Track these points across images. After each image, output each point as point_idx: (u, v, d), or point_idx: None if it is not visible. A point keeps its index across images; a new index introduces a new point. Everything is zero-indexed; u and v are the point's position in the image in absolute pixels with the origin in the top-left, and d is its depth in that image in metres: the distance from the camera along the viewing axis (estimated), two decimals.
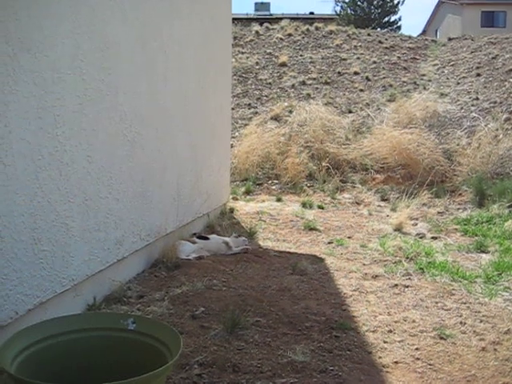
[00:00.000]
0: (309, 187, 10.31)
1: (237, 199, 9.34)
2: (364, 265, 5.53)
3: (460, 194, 9.30)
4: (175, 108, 5.42)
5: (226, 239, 5.60)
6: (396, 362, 3.23)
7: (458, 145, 10.71)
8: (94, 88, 3.69)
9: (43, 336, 2.24)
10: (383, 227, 7.57)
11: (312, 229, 7.26)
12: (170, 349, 2.16)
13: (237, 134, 11.82)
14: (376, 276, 5.11)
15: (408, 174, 10.32)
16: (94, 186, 3.74)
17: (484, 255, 6.03)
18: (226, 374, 2.90)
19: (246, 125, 12.31)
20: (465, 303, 4.37)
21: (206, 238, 5.47)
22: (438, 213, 8.43)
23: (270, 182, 10.55)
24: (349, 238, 6.93)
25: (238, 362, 3.01)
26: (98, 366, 2.30)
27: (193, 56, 5.94)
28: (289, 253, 5.90)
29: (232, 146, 10.17)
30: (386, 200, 9.45)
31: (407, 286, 4.75)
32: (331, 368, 3.06)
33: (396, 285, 4.78)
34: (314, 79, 14.72)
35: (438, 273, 5.23)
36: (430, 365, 3.22)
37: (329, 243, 6.55)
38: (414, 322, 3.84)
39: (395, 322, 3.83)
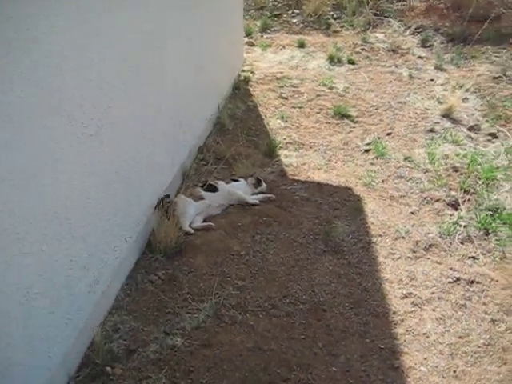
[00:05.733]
0: (335, 20, 8.51)
1: (252, 44, 7.72)
2: (412, 214, 4.43)
3: None
4: None
5: (240, 190, 4.35)
6: None
7: None
8: None
9: None
10: (429, 107, 6.22)
11: (343, 115, 5.93)
12: None
13: None
14: (429, 246, 4.06)
15: (455, 3, 8.41)
16: None
17: None
18: None
19: None
20: None
21: (214, 189, 4.21)
22: (494, 78, 6.91)
23: (289, 11, 8.66)
24: (388, 135, 5.66)
25: None
26: None
27: None
28: (319, 185, 4.72)
29: None
30: (429, 47, 7.78)
31: (472, 282, 3.72)
32: None
33: (457, 279, 3.74)
34: None
35: (507, 235, 4.17)
36: None
37: (365, 151, 5.34)
38: None
39: None
